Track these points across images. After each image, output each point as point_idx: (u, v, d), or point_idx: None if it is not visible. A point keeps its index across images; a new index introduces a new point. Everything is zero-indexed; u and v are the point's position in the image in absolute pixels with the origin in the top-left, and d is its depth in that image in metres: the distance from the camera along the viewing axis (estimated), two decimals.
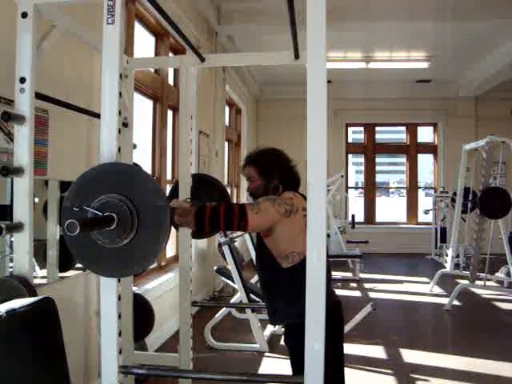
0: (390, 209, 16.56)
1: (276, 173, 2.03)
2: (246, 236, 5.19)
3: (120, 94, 1.60)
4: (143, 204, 1.44)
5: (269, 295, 2.04)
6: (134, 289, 2.98)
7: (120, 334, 1.58)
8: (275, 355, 3.86)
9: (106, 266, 1.48)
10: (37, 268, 2.41)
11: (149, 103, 4.54)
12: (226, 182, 7.75)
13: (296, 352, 1.92)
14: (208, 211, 1.72)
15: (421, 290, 6.30)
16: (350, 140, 10.69)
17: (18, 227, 1.84)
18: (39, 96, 2.04)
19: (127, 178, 1.47)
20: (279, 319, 2.04)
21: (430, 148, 10.57)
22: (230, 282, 4.34)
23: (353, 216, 8.85)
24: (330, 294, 1.98)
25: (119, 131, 1.61)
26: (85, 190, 1.47)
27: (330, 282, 2.11)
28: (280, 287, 1.96)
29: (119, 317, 1.58)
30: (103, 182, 1.47)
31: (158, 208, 1.44)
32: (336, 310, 2.01)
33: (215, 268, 4.75)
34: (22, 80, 1.86)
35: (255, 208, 1.77)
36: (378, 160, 10.90)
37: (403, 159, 11.01)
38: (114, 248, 1.44)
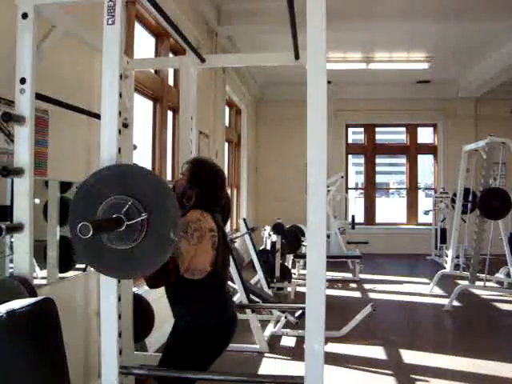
0: (390, 209, 16.56)
1: (198, 188, 2.04)
2: (246, 236, 5.20)
3: (120, 95, 1.61)
4: (153, 206, 1.44)
5: (174, 301, 2.09)
6: (134, 289, 2.98)
7: (120, 335, 1.58)
8: (275, 356, 3.86)
9: (115, 267, 1.48)
10: (37, 268, 2.41)
11: (149, 104, 4.54)
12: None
13: (170, 348, 2.05)
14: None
15: (421, 290, 6.30)
16: (350, 140, 10.69)
17: (18, 228, 1.85)
18: (39, 97, 2.04)
19: (137, 179, 1.48)
20: (184, 322, 2.07)
21: (429, 149, 10.57)
22: (229, 282, 4.33)
23: (353, 217, 8.84)
24: (226, 308, 2.08)
25: (119, 132, 1.61)
26: (94, 191, 1.47)
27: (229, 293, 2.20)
28: (184, 297, 2.01)
29: (119, 317, 1.58)
30: (113, 183, 1.47)
31: (168, 210, 1.44)
32: (225, 329, 2.07)
33: None
34: (23, 81, 1.86)
35: (180, 259, 1.83)
36: (377, 161, 10.90)
37: (403, 160, 11.01)
38: (123, 249, 1.44)
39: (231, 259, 4.09)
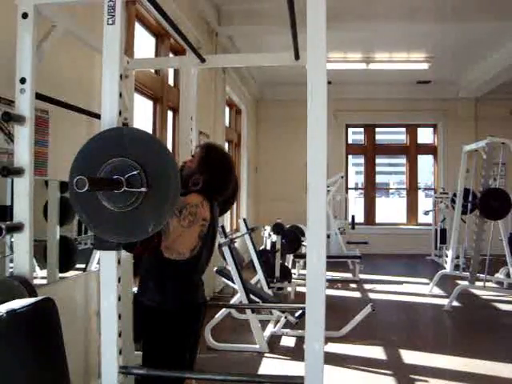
0: (390, 210, 16.56)
1: (206, 174, 2.03)
2: (246, 237, 5.20)
3: (120, 95, 1.61)
4: (154, 171, 1.43)
5: (145, 274, 2.09)
6: (134, 289, 2.97)
7: (120, 335, 1.58)
8: (275, 356, 3.86)
9: (111, 230, 1.48)
10: (37, 268, 2.41)
11: (149, 104, 4.54)
12: None
13: (147, 337, 2.05)
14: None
15: (420, 290, 6.30)
16: (350, 141, 10.69)
17: (18, 227, 1.84)
18: (39, 96, 2.04)
19: (140, 143, 1.47)
20: (146, 298, 2.06)
21: (429, 149, 10.57)
22: (229, 282, 4.34)
23: (353, 217, 8.84)
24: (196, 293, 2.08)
25: None
26: (96, 153, 1.48)
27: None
28: (156, 272, 2.01)
29: (119, 317, 1.58)
30: (115, 145, 1.47)
31: (169, 177, 1.44)
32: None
33: (215, 269, 4.75)
34: (23, 80, 1.86)
35: (166, 233, 1.82)
36: (377, 161, 10.90)
37: (403, 160, 11.01)
38: (120, 212, 1.44)
39: (232, 259, 4.09)
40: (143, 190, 1.42)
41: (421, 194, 11.48)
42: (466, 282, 5.62)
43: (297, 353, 3.86)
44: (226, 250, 4.15)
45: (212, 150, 2.13)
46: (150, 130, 4.58)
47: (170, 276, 1.98)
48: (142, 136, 1.50)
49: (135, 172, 1.42)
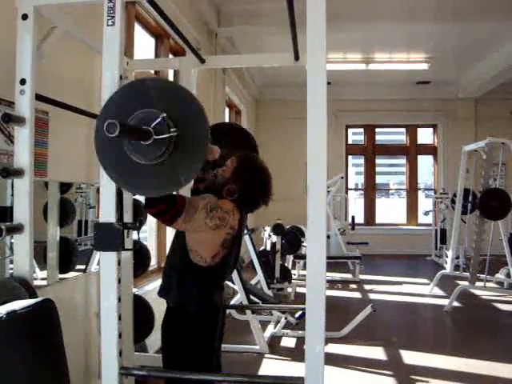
0: (390, 210, 16.55)
1: (243, 184, 1.99)
2: (246, 237, 5.19)
3: None
4: (184, 125, 1.41)
5: (169, 272, 2.06)
6: (134, 290, 2.98)
7: (120, 336, 1.58)
8: (275, 356, 3.86)
9: (137, 183, 1.47)
10: (37, 269, 2.41)
11: None
12: None
13: (169, 342, 2.00)
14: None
15: (421, 291, 6.30)
16: (349, 141, 10.69)
17: (18, 229, 1.84)
18: (39, 97, 2.04)
19: (173, 96, 1.45)
20: (169, 297, 2.03)
21: (429, 149, 10.57)
22: (229, 283, 4.34)
23: (353, 217, 8.84)
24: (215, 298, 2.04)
25: None
26: (126, 103, 1.45)
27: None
28: (180, 274, 1.98)
29: (119, 318, 1.58)
30: (146, 96, 1.44)
31: (199, 131, 1.42)
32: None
33: None
34: (23, 82, 1.86)
35: (187, 217, 1.77)
36: (377, 161, 10.90)
37: (403, 160, 11.01)
38: (147, 165, 1.41)
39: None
40: (172, 133, 1.38)
41: (421, 194, 11.47)
42: (466, 283, 5.61)
43: (297, 353, 3.86)
44: None
45: (248, 161, 2.07)
46: None
47: (193, 280, 1.96)
48: (164, 85, 1.49)
49: (160, 118, 1.38)
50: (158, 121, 1.39)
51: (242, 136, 2.69)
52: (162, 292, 2.07)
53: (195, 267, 1.93)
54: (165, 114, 1.39)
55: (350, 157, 10.81)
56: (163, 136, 1.38)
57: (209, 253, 1.92)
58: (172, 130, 1.39)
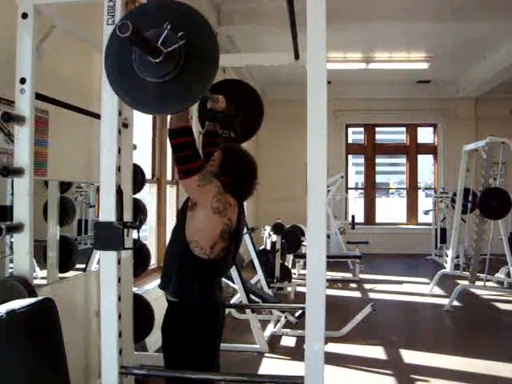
0: (390, 209, 16.55)
1: (232, 175, 2.00)
2: (246, 236, 5.19)
3: None
4: (191, 35, 1.41)
5: (169, 264, 2.05)
6: (134, 289, 2.98)
7: (120, 335, 1.58)
8: (275, 356, 3.86)
9: (152, 103, 1.46)
10: (37, 269, 2.41)
11: None
12: None
13: (169, 338, 1.99)
14: (183, 139, 1.74)
15: (421, 290, 6.30)
16: (349, 140, 10.69)
17: (18, 228, 1.85)
18: (39, 97, 2.04)
19: (185, 18, 1.45)
20: (169, 290, 2.02)
21: (429, 149, 10.57)
22: (229, 282, 4.34)
23: (353, 217, 8.84)
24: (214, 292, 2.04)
25: (119, 132, 1.61)
26: (139, 20, 1.43)
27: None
28: (179, 267, 1.97)
29: (119, 317, 1.58)
30: (157, 15, 1.44)
31: (209, 52, 1.42)
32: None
33: None
34: (23, 81, 1.86)
35: (203, 182, 1.81)
36: (377, 161, 10.90)
37: (403, 160, 11.01)
38: (156, 83, 1.41)
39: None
40: (181, 42, 1.39)
41: (421, 193, 11.47)
42: (466, 282, 5.61)
43: (297, 353, 3.86)
44: None
45: (232, 152, 2.09)
46: (149, 131, 4.58)
47: (193, 272, 1.95)
48: (165, 2, 1.51)
49: (166, 31, 1.39)
50: (164, 34, 1.39)
51: (252, 96, 2.72)
52: (162, 285, 2.06)
53: (195, 259, 1.92)
54: (169, 26, 1.39)
55: (350, 156, 10.81)
56: (173, 47, 1.38)
57: (207, 242, 1.91)
58: (179, 37, 1.39)
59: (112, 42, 1.48)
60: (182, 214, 2.01)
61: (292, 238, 6.23)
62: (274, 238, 5.88)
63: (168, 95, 1.43)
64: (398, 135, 11.86)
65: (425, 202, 11.16)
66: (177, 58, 1.39)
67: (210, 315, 2.01)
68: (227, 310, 4.35)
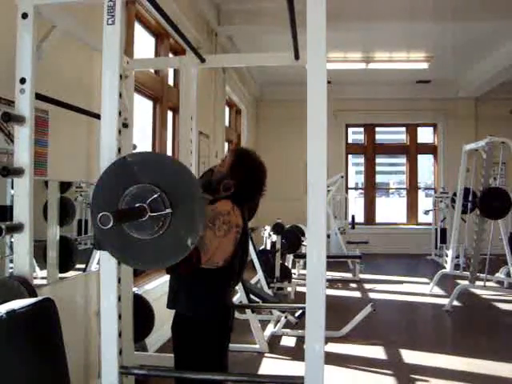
0: (390, 209, 16.55)
1: (240, 179, 1.99)
2: None
3: (120, 95, 1.61)
4: (177, 194, 1.41)
5: (176, 281, 2.03)
6: (134, 289, 2.98)
7: (120, 335, 1.58)
8: (275, 356, 3.86)
9: (141, 259, 1.46)
10: (37, 269, 2.41)
11: (149, 104, 4.54)
12: None
13: (180, 347, 1.98)
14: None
15: (421, 290, 6.30)
16: (349, 140, 10.69)
17: (18, 228, 1.85)
18: (39, 97, 2.04)
19: (159, 167, 1.44)
20: (178, 307, 2.01)
21: (429, 148, 10.57)
22: None
23: (353, 216, 8.84)
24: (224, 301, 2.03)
25: (119, 132, 1.61)
26: (114, 182, 1.45)
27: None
28: (187, 282, 1.95)
29: (119, 317, 1.58)
30: (133, 172, 1.43)
31: (193, 198, 1.41)
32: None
33: None
34: (22, 81, 1.86)
35: (203, 249, 1.77)
36: (377, 160, 10.90)
37: (403, 160, 11.01)
38: (147, 239, 1.41)
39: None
40: (168, 210, 1.39)
41: (421, 193, 11.46)
42: (466, 282, 5.61)
43: (297, 353, 3.86)
44: None
45: (244, 155, 2.08)
46: (149, 130, 4.58)
47: (203, 284, 1.92)
48: (148, 157, 1.50)
49: (156, 195, 1.38)
50: (153, 197, 1.38)
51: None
52: (171, 304, 2.03)
53: (204, 272, 1.87)
54: (159, 192, 1.39)
55: (350, 156, 10.81)
56: (158, 214, 1.38)
57: (223, 257, 1.88)
58: (167, 205, 1.39)
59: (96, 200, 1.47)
60: None
61: (292, 238, 6.22)
62: (274, 237, 5.88)
63: (160, 251, 1.43)
64: (398, 135, 11.85)
65: (425, 202, 11.15)
66: (162, 220, 1.39)
67: (221, 323, 2.01)
68: None
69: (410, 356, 3.84)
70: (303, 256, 6.57)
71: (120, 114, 1.62)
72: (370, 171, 10.75)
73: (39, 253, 2.43)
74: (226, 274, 1.97)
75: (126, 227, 1.41)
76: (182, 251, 1.43)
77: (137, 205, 1.38)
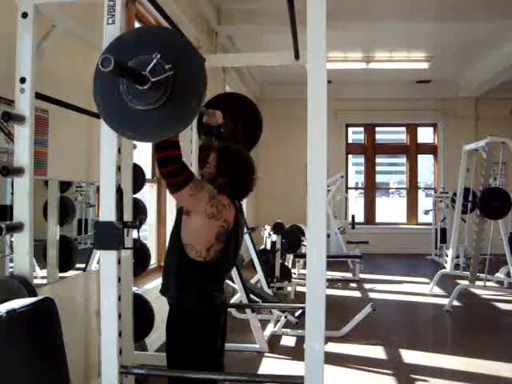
0: (390, 209, 16.55)
1: (230, 175, 2.02)
2: (246, 236, 5.20)
3: None
4: (180, 65, 1.41)
5: (168, 268, 2.06)
6: (134, 289, 2.98)
7: (120, 334, 1.58)
8: (275, 355, 3.86)
9: (139, 129, 1.47)
10: (37, 268, 2.41)
11: None
12: None
13: (170, 339, 2.01)
14: (169, 153, 1.73)
15: (421, 290, 6.30)
16: (350, 140, 10.68)
17: (18, 227, 1.85)
18: (39, 96, 2.04)
19: (166, 40, 1.45)
20: (169, 295, 2.05)
21: (429, 148, 10.57)
22: (229, 282, 4.34)
23: (353, 216, 8.84)
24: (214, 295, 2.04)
25: None
26: (122, 50, 1.45)
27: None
28: (177, 271, 1.99)
29: (119, 317, 1.58)
30: (140, 42, 1.45)
31: (195, 72, 1.42)
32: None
33: None
34: (22, 80, 1.86)
35: (194, 191, 1.81)
36: (378, 160, 10.90)
37: (403, 160, 11.01)
38: (149, 109, 1.41)
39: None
40: (168, 72, 1.39)
41: (421, 193, 11.46)
42: (466, 282, 5.61)
43: (297, 352, 3.86)
44: None
45: (225, 152, 2.09)
46: None
47: (190, 276, 1.96)
48: (158, 30, 1.54)
49: (154, 60, 1.39)
50: (153, 62, 1.39)
51: (249, 108, 2.75)
52: (162, 290, 2.09)
53: (192, 263, 1.93)
54: (159, 55, 1.39)
55: (350, 156, 10.80)
56: (160, 77, 1.38)
57: (203, 245, 1.92)
58: (167, 68, 1.39)
59: (99, 73, 1.46)
60: (178, 216, 2.02)
61: (292, 238, 6.22)
62: (274, 237, 5.88)
63: (155, 121, 1.43)
64: (398, 135, 11.85)
65: (425, 202, 11.15)
66: (164, 86, 1.40)
67: (210, 317, 2.02)
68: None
69: (409, 356, 3.84)
70: (303, 256, 6.57)
71: None
72: (370, 171, 10.75)
73: (39, 252, 2.43)
74: (212, 270, 1.99)
75: (127, 98, 1.41)
76: (188, 115, 1.43)
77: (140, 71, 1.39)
